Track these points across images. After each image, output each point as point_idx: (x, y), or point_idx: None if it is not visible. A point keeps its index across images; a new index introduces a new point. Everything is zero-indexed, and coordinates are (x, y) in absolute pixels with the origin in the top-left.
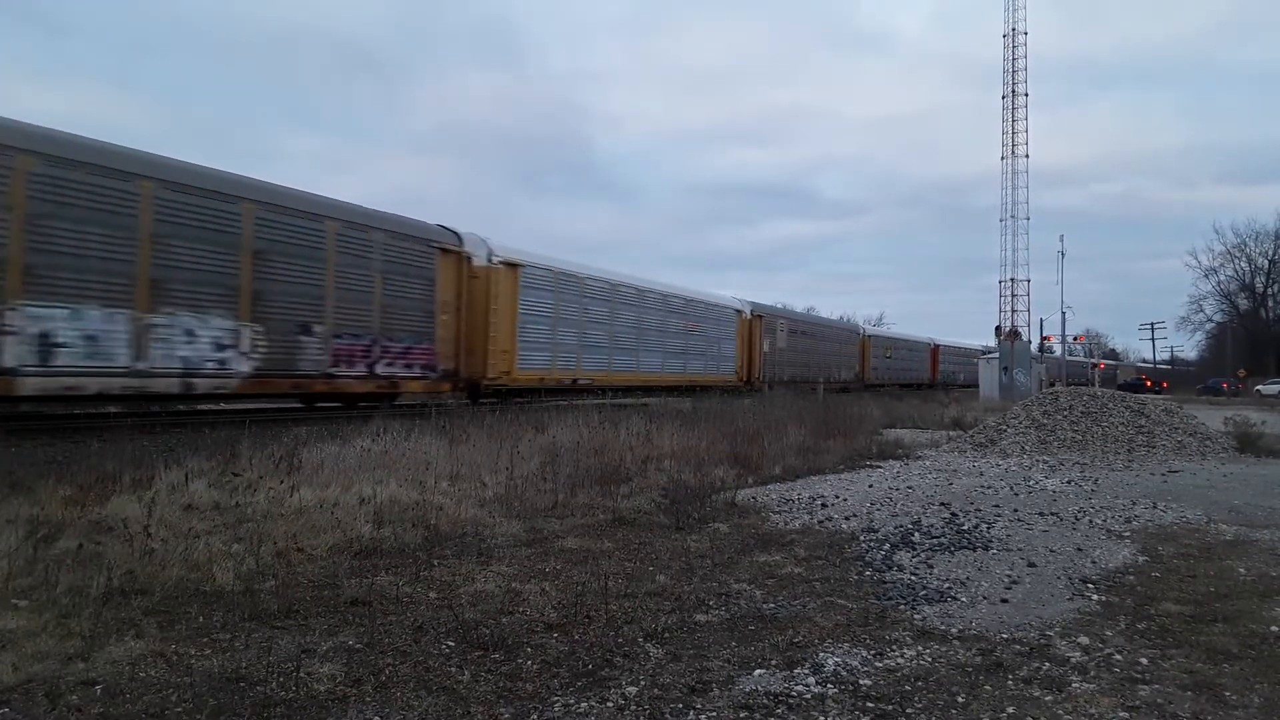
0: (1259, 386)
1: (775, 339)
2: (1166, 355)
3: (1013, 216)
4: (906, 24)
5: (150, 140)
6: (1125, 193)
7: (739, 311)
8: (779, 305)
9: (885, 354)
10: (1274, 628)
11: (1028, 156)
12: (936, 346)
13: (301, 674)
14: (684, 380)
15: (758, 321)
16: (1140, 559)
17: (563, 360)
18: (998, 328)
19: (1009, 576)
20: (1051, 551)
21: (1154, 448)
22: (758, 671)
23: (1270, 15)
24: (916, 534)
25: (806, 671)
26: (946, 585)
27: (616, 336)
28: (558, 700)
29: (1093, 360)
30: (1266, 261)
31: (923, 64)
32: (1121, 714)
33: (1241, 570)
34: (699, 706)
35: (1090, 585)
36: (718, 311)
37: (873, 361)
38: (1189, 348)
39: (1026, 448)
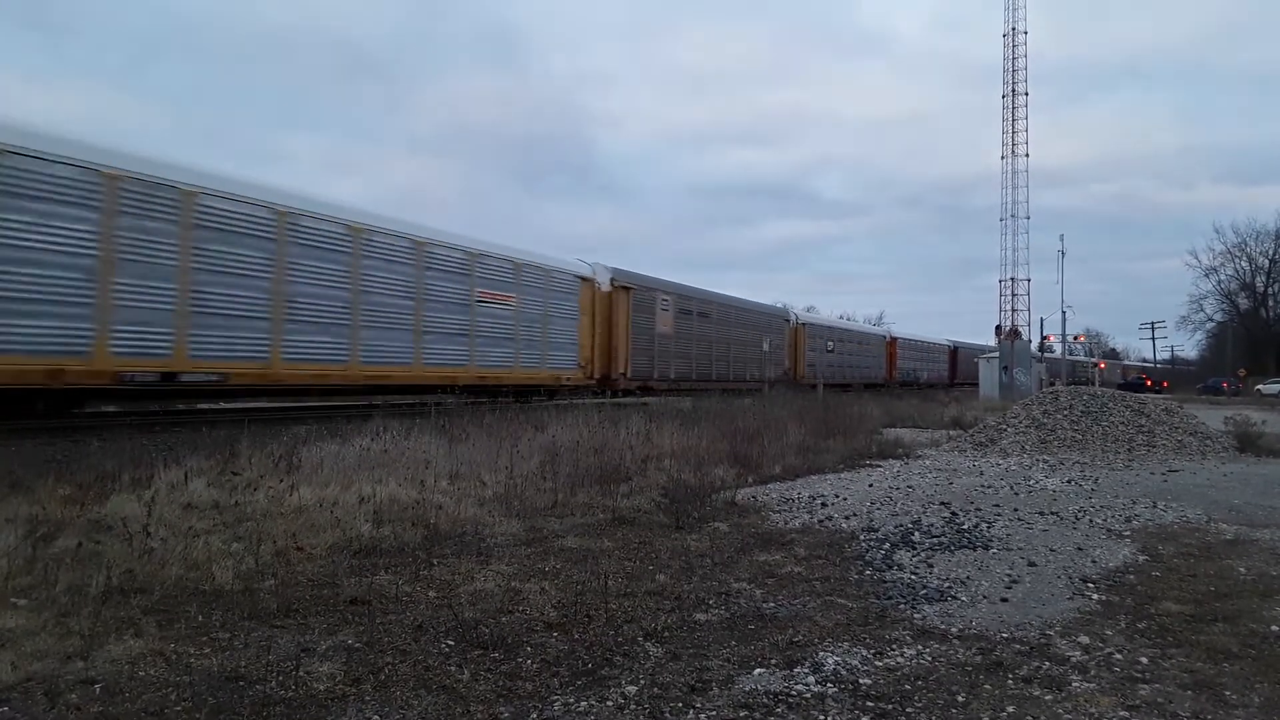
0: (1259, 386)
1: (655, 319)
2: (1167, 355)
3: (1013, 216)
4: (905, 26)
5: (155, 142)
6: (1123, 193)
7: (585, 279)
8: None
9: (826, 347)
10: (1274, 627)
11: (1027, 156)
12: (893, 340)
13: (301, 673)
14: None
15: (622, 295)
16: (1140, 558)
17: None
18: (998, 327)
19: (1009, 576)
20: (1052, 551)
21: (1154, 447)
22: (757, 670)
23: (1266, 18)
24: (916, 533)
25: (806, 670)
26: (946, 584)
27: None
28: (557, 699)
29: (1093, 360)
30: (1267, 261)
31: (921, 66)
32: (1122, 713)
33: (1242, 569)
34: (699, 705)
35: (1090, 584)
36: (546, 278)
37: (809, 356)
38: (1189, 347)
39: (1026, 447)
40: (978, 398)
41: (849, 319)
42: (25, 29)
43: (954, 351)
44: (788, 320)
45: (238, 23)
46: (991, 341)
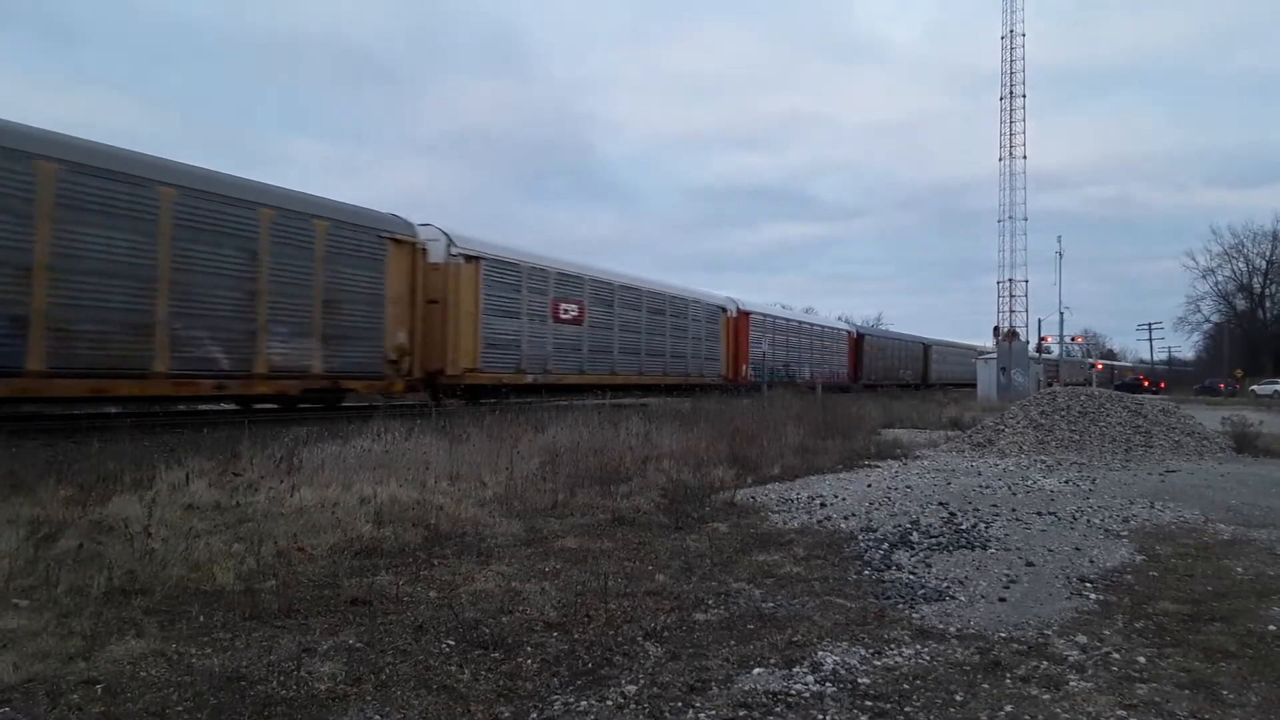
0: (1254, 386)
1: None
2: (1164, 355)
3: (1010, 217)
4: (901, 34)
5: (162, 145)
6: (1119, 196)
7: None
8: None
9: (768, 342)
10: (1271, 626)
11: (1025, 158)
12: (859, 336)
13: (302, 673)
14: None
15: (469, 268)
16: (1138, 558)
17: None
18: (996, 328)
19: (1007, 576)
20: (1049, 551)
21: (1151, 447)
22: (757, 670)
23: (1257, 23)
24: (915, 533)
25: (805, 670)
26: (945, 584)
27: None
28: (557, 699)
29: (1091, 360)
30: (1264, 262)
31: (917, 72)
32: (1119, 712)
33: (1239, 569)
34: (698, 705)
35: (1088, 584)
36: None
37: (753, 350)
38: (1186, 348)
39: (1024, 447)
40: (952, 398)
41: (846, 317)
42: (35, 36)
43: (927, 349)
44: (722, 310)
45: (244, 29)
46: (990, 342)
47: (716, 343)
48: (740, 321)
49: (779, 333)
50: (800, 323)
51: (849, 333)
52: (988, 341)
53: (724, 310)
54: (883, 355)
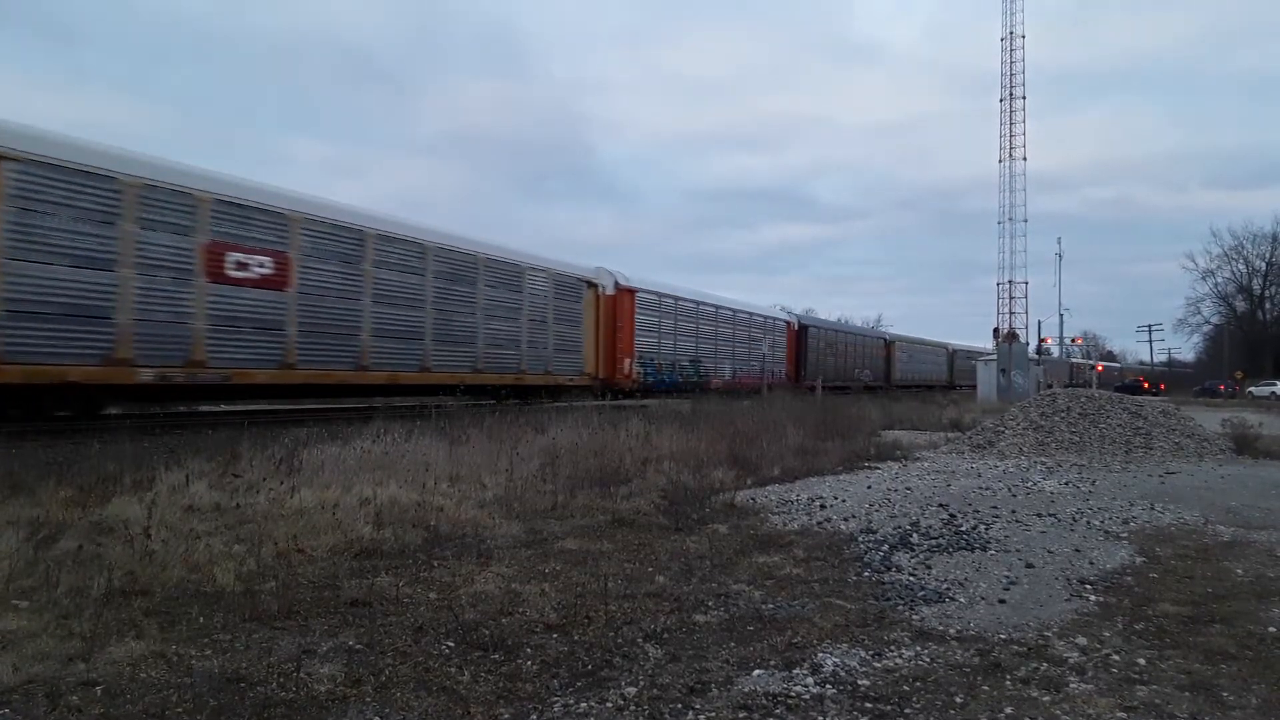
0: (1250, 388)
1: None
2: (1164, 357)
3: (1010, 219)
4: (900, 36)
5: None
6: (1118, 198)
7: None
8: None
9: (667, 330)
10: (1271, 628)
11: (1025, 159)
12: (801, 328)
13: (302, 674)
14: None
15: (626, 297)
16: (1138, 560)
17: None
18: (996, 329)
19: (1007, 577)
20: (1049, 552)
21: (1151, 449)
22: (757, 672)
23: (1256, 24)
24: (915, 535)
25: (805, 672)
26: (945, 586)
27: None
28: (557, 701)
29: (1091, 362)
30: (1264, 264)
31: (916, 74)
32: (1119, 714)
33: (1239, 571)
34: (698, 707)
35: (1088, 586)
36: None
37: (641, 340)
38: (1186, 350)
39: (1024, 449)
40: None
41: (846, 319)
42: (35, 36)
43: (889, 345)
44: (593, 285)
45: (244, 29)
46: (990, 344)
47: (577, 329)
48: (620, 301)
49: (684, 318)
50: (718, 308)
51: (788, 323)
52: (988, 343)
53: (591, 285)
54: (833, 351)
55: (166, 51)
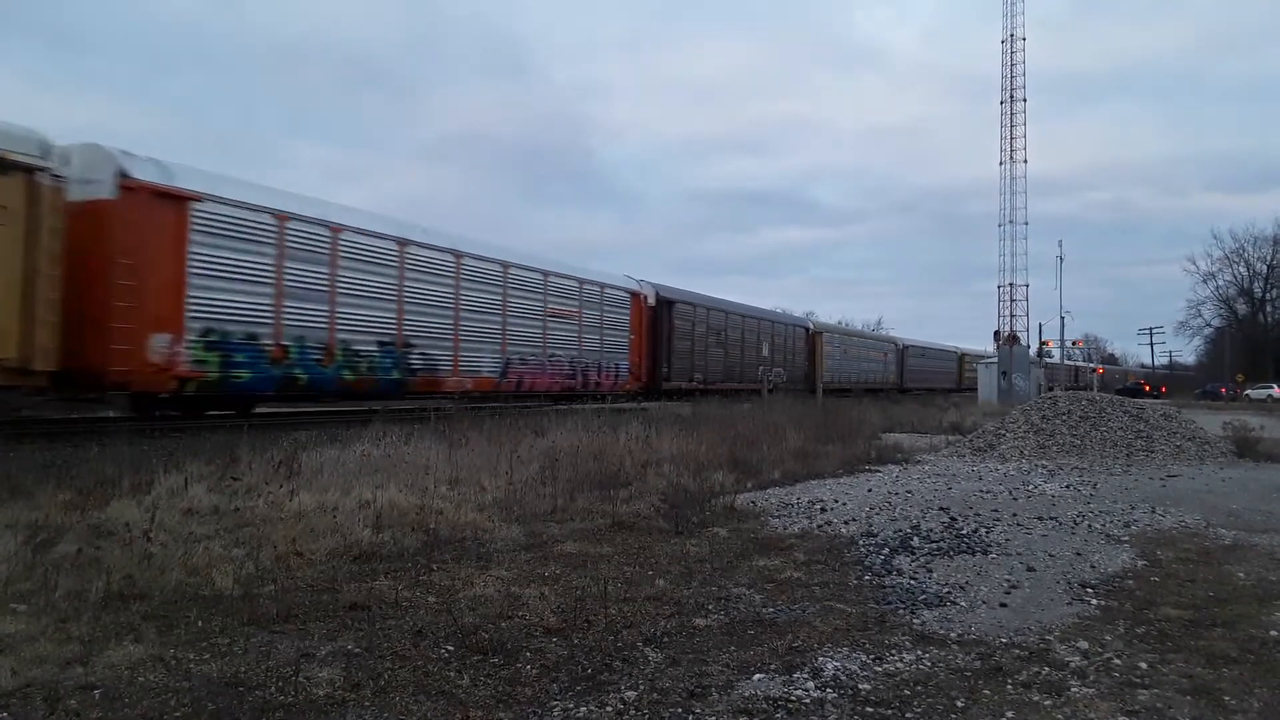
0: (1248, 391)
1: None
2: (1165, 360)
3: (1010, 222)
4: (900, 40)
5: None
6: (1117, 201)
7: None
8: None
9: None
10: (1273, 632)
11: (1025, 162)
12: (743, 318)
13: (300, 678)
14: None
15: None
16: (1139, 563)
17: None
18: (996, 332)
19: (1008, 581)
20: (1050, 556)
21: (1152, 452)
22: (757, 676)
23: (1255, 28)
24: (915, 538)
25: (806, 676)
26: (945, 589)
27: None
28: (557, 705)
29: (1091, 365)
30: (1264, 266)
31: (916, 78)
32: (1121, 718)
33: (1240, 575)
34: (698, 711)
35: (1089, 590)
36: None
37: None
38: (1187, 353)
39: (1025, 452)
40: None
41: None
42: (41, 44)
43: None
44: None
45: (247, 34)
46: (990, 347)
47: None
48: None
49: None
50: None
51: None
52: (989, 346)
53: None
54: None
55: (173, 58)
